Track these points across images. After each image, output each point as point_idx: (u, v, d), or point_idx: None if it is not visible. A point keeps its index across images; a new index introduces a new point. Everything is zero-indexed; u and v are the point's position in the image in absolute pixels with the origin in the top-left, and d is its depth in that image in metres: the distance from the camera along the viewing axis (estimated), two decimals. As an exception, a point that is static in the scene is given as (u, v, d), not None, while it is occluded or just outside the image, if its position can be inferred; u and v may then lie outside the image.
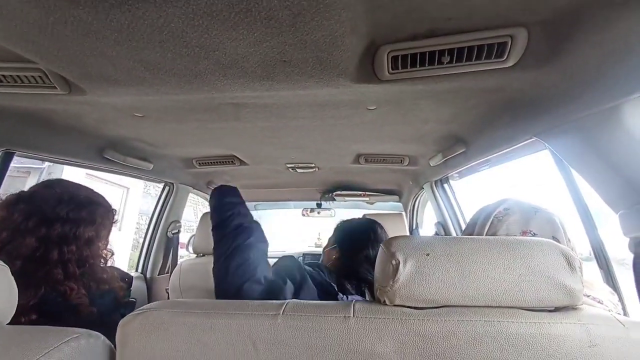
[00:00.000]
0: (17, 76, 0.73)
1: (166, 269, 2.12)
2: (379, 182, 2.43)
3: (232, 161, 1.81)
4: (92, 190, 0.89)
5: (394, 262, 0.57)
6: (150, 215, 2.14)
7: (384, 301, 0.58)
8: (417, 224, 2.52)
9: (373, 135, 1.28)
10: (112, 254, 0.91)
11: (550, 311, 0.55)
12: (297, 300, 0.63)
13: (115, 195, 7.72)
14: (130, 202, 8.04)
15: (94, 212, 0.82)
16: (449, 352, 0.52)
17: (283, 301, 0.62)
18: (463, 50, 0.60)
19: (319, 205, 3.03)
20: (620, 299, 0.77)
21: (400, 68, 0.65)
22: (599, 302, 0.69)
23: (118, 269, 0.97)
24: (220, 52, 0.60)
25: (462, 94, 0.81)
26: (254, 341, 0.56)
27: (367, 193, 2.61)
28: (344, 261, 1.02)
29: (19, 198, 0.77)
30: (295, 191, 2.78)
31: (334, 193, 2.65)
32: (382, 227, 1.14)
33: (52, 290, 0.73)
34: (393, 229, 1.60)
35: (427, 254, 0.58)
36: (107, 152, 1.30)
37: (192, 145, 1.53)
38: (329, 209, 3.05)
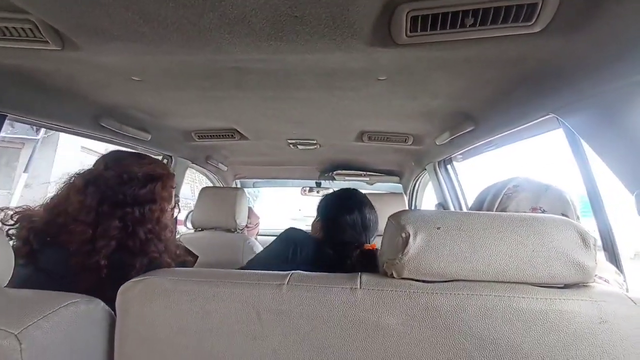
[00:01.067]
0: (6, 28, 0.67)
1: (165, 244, 2.11)
2: (380, 162, 2.40)
3: (232, 135, 1.76)
4: (146, 160, 0.89)
5: (403, 234, 0.55)
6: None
7: (391, 274, 0.57)
8: (416, 206, 2.51)
9: (379, 111, 1.24)
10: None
11: (560, 288, 0.55)
12: (300, 271, 0.62)
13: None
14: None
15: (153, 191, 0.83)
16: (457, 325, 0.51)
17: (288, 272, 0.60)
18: (489, 11, 0.55)
19: (318, 185, 3.01)
20: (625, 280, 0.76)
21: (419, 30, 0.61)
22: (605, 281, 0.69)
23: (181, 245, 1.00)
24: (227, 3, 0.55)
25: (480, 64, 0.76)
26: (258, 310, 0.55)
27: (367, 173, 2.58)
28: (327, 231, 1.02)
29: (87, 181, 0.79)
30: (294, 169, 2.75)
31: (334, 172, 2.62)
32: (362, 194, 1.13)
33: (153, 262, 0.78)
34: (394, 209, 1.58)
35: (438, 227, 0.56)
36: (104, 120, 1.25)
37: (192, 116, 1.48)
38: (328, 189, 3.03)
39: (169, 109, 1.33)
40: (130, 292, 0.58)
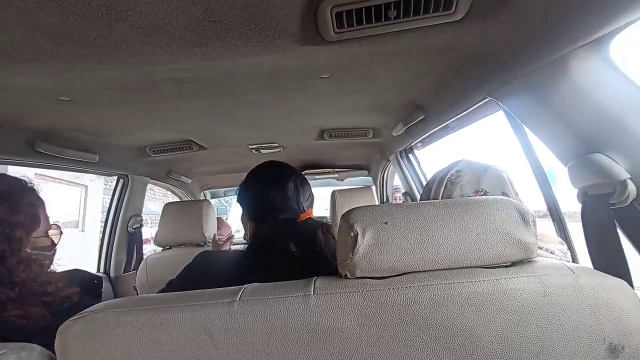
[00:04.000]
0: None
1: (132, 266, 2.01)
2: (347, 157, 2.41)
3: (189, 146, 1.70)
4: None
5: (352, 234, 0.55)
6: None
7: (345, 275, 0.56)
8: (387, 196, 2.55)
9: (333, 108, 1.24)
10: (54, 245, 0.77)
11: (506, 266, 0.56)
12: (256, 283, 0.59)
13: (72, 194, 7.19)
14: (91, 201, 7.53)
15: (15, 207, 0.66)
16: (411, 318, 0.51)
17: (241, 286, 0.58)
18: (410, 2, 0.56)
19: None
20: (570, 248, 0.81)
21: (346, 26, 0.60)
22: (550, 252, 0.72)
23: (83, 271, 0.87)
24: (134, 12, 0.51)
25: (415, 55, 0.77)
26: (210, 332, 0.52)
27: (336, 170, 2.59)
28: (255, 224, 0.85)
29: None
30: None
31: (303, 172, 2.61)
32: (269, 163, 0.93)
33: None
34: (364, 203, 1.58)
35: (386, 222, 0.56)
36: (40, 145, 1.16)
37: (141, 131, 1.40)
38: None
39: (113, 127, 1.26)
40: (69, 331, 0.54)
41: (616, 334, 0.50)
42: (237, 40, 0.63)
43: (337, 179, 2.77)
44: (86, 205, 7.43)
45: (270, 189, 0.81)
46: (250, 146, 1.83)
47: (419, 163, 1.83)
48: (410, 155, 1.81)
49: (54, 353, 0.54)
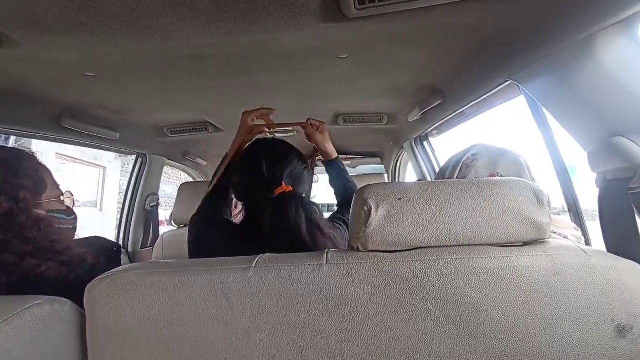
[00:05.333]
0: None
1: (148, 243, 2.09)
2: (360, 144, 2.40)
3: (205, 127, 1.73)
4: None
5: (366, 208, 0.56)
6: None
7: (357, 248, 0.58)
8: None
9: (349, 91, 1.24)
10: (70, 210, 0.80)
11: (519, 246, 0.57)
12: (270, 253, 0.62)
13: (91, 175, 7.44)
14: (108, 182, 7.78)
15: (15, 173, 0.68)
16: (420, 290, 0.52)
17: (256, 255, 0.60)
18: None
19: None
20: (584, 234, 0.80)
21: (367, 2, 0.60)
22: (564, 237, 0.72)
23: (102, 238, 0.91)
24: None
25: (436, 35, 0.76)
26: (227, 295, 0.55)
27: (349, 156, 2.59)
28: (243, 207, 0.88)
29: None
30: None
31: (316, 158, 2.62)
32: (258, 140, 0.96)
33: (14, 275, 0.66)
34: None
35: (399, 199, 0.57)
36: (65, 121, 1.20)
37: (160, 110, 1.44)
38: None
39: (134, 104, 1.29)
40: (97, 289, 0.58)
41: (625, 315, 0.50)
42: (258, 15, 0.63)
43: (350, 166, 2.77)
44: (104, 186, 7.68)
45: (245, 173, 0.85)
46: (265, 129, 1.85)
47: (433, 151, 1.81)
48: (425, 143, 1.80)
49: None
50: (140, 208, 2.02)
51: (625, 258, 0.55)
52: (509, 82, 0.84)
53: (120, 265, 0.69)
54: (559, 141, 0.89)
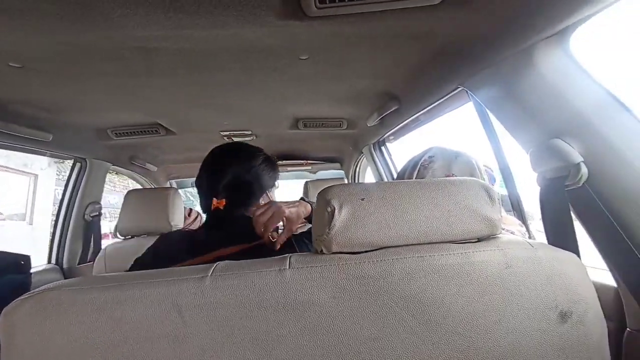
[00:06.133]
0: None
1: (88, 258, 1.88)
2: (320, 149, 2.41)
3: (156, 130, 1.61)
4: None
5: (329, 209, 0.55)
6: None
7: (321, 250, 0.56)
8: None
9: (310, 94, 1.23)
10: None
11: (474, 242, 0.59)
12: (228, 261, 0.58)
13: (20, 185, 6.57)
14: (41, 191, 6.93)
15: None
16: (385, 289, 0.52)
17: (212, 263, 0.56)
18: None
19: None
20: (527, 230, 0.87)
21: (328, 1, 0.60)
22: (511, 233, 0.77)
23: (2, 252, 0.79)
24: None
25: (393, 40, 0.79)
26: (179, 308, 0.49)
27: (308, 162, 2.59)
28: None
29: None
30: None
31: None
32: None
33: None
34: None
35: (362, 199, 0.56)
36: None
37: (104, 110, 1.31)
38: (272, 181, 2.97)
39: (71, 103, 1.16)
40: (16, 312, 0.49)
41: (566, 302, 0.54)
42: (214, 7, 0.60)
43: (310, 171, 2.77)
44: (35, 196, 6.82)
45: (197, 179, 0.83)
46: (222, 133, 1.77)
47: (390, 156, 1.87)
48: (383, 148, 1.85)
49: None
50: (78, 219, 1.81)
51: (564, 249, 0.59)
52: (459, 89, 0.89)
53: (27, 277, 0.59)
54: (503, 144, 0.97)
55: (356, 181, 2.58)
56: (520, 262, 0.55)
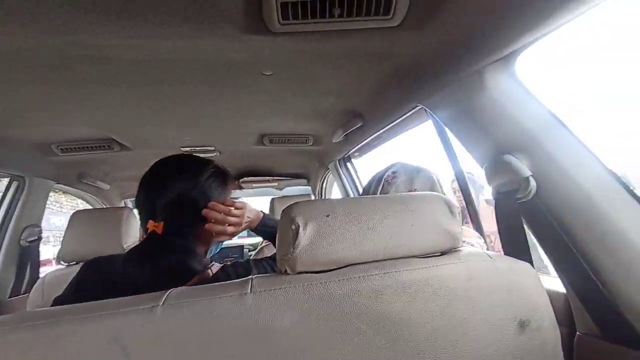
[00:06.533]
0: None
1: (22, 289, 1.66)
2: (287, 165, 2.40)
3: (108, 145, 1.50)
4: None
5: (293, 227, 0.53)
6: None
7: (286, 271, 0.54)
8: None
9: (275, 110, 1.22)
10: None
11: (437, 256, 0.60)
12: (183, 287, 0.53)
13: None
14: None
15: None
16: (351, 310, 0.50)
17: (164, 291, 0.51)
18: (353, 2, 0.58)
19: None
20: (485, 241, 0.91)
21: (291, 18, 0.60)
22: (471, 245, 0.80)
23: None
24: None
25: (356, 59, 0.81)
26: (123, 344, 0.44)
27: (274, 178, 2.55)
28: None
29: None
30: None
31: (240, 180, 2.51)
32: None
33: None
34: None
35: (327, 215, 0.55)
36: None
37: (47, 123, 1.19)
38: (236, 198, 2.88)
39: (7, 114, 1.04)
40: None
41: (524, 311, 0.56)
42: (172, 17, 0.57)
43: (276, 188, 2.72)
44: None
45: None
46: (183, 148, 1.69)
47: (356, 172, 1.90)
48: (349, 164, 1.88)
49: None
50: (12, 244, 1.60)
51: (519, 259, 0.62)
52: (419, 107, 0.93)
53: None
54: (461, 159, 1.02)
55: (323, 197, 2.58)
56: (481, 274, 0.56)
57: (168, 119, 1.26)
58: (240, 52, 0.73)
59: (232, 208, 0.73)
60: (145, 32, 0.61)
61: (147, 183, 0.72)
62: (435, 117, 0.89)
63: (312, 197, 2.58)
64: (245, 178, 2.50)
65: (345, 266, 0.55)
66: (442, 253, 0.61)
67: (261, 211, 0.85)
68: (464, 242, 0.78)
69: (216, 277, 0.66)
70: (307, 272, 0.53)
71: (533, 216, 0.69)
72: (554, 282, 0.75)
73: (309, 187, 2.75)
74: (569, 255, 0.65)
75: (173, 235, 0.67)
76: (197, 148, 1.72)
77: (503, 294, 0.56)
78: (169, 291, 0.51)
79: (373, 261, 0.56)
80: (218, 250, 0.88)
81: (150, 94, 0.98)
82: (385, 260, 0.56)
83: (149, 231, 0.67)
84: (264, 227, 0.84)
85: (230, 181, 0.79)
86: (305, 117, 1.32)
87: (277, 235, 0.58)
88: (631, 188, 0.65)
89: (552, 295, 0.62)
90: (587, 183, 0.64)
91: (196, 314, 0.47)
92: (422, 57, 0.77)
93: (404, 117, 1.05)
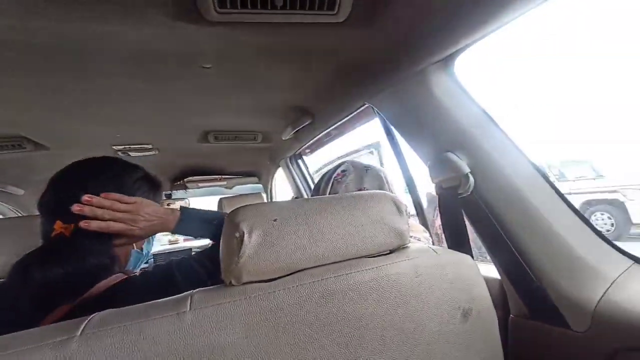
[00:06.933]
0: None
1: None
2: (236, 163, 2.29)
3: (19, 144, 1.29)
4: None
5: (237, 234, 0.49)
6: None
7: (230, 282, 0.50)
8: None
9: (218, 106, 1.14)
10: None
11: (386, 254, 0.60)
12: (109, 309, 0.46)
13: None
14: None
15: None
16: (302, 317, 0.48)
17: (84, 317, 0.44)
18: None
19: (168, 196, 2.62)
20: (430, 235, 0.95)
21: (229, 7, 0.55)
22: (417, 239, 0.82)
23: None
24: None
25: (301, 55, 0.78)
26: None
27: (223, 177, 2.43)
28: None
29: None
30: None
31: (185, 180, 2.35)
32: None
33: None
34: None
35: (275, 220, 0.52)
36: None
37: None
38: (182, 199, 2.69)
39: None
40: None
41: (466, 301, 0.59)
42: None
43: (225, 187, 2.60)
44: None
45: None
46: (115, 147, 1.52)
47: (307, 168, 1.89)
48: (300, 161, 1.86)
49: None
50: None
51: (460, 252, 0.66)
52: (366, 105, 0.93)
53: None
54: (407, 156, 1.06)
55: (275, 195, 2.53)
56: (428, 269, 0.58)
57: (94, 115, 1.11)
58: (174, 42, 0.65)
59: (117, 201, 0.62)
60: (59, 13, 0.51)
61: (59, 182, 0.64)
62: (381, 115, 0.90)
63: (264, 195, 2.51)
64: (191, 177, 2.35)
65: (295, 272, 0.52)
66: (391, 251, 0.61)
67: (181, 206, 0.75)
68: (411, 237, 0.81)
69: (131, 282, 0.59)
70: (254, 282, 0.50)
71: (472, 210, 0.74)
72: (492, 269, 0.80)
73: (260, 185, 2.68)
74: (503, 245, 0.71)
75: (84, 238, 0.59)
76: (132, 146, 1.56)
77: (448, 286, 0.58)
78: (91, 316, 0.44)
79: (324, 264, 0.55)
80: (145, 260, 0.78)
81: (69, 86, 0.85)
82: (335, 262, 0.55)
83: (54, 233, 0.59)
84: (190, 223, 0.72)
85: (160, 192, 0.71)
86: (253, 113, 1.26)
87: (221, 243, 0.53)
88: (551, 180, 0.72)
89: (489, 282, 0.66)
90: (517, 178, 0.70)
91: (124, 342, 0.41)
92: (367, 56, 0.77)
93: (353, 114, 1.05)
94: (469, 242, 0.74)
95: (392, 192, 0.80)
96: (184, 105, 1.11)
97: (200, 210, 0.75)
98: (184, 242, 2.66)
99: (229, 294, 0.48)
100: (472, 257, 0.70)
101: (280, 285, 0.50)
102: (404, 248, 0.63)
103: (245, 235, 0.49)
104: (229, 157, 2.07)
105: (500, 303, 0.77)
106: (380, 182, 0.79)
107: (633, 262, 0.66)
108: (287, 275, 0.52)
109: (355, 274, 0.53)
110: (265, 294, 0.48)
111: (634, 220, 6.23)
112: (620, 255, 0.67)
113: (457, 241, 0.75)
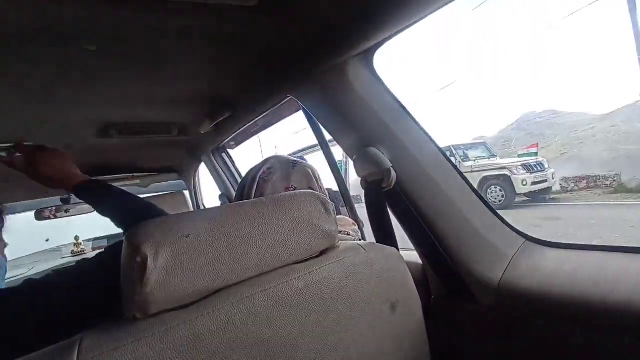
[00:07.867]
0: None
1: None
2: (149, 159, 2.02)
3: None
4: None
5: (139, 259, 0.41)
6: None
7: (134, 316, 0.41)
8: (202, 202, 2.35)
9: (117, 97, 0.97)
10: None
11: (316, 257, 0.58)
12: None
13: None
14: None
15: None
16: (225, 344, 0.43)
17: None
18: None
19: (65, 201, 2.20)
20: (360, 228, 0.97)
21: None
22: (347, 234, 0.83)
23: None
24: None
25: (213, 41, 0.69)
26: None
27: (135, 175, 2.13)
28: None
29: None
30: (21, 186, 1.85)
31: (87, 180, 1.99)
32: None
33: None
34: (176, 211, 1.35)
35: (187, 236, 0.45)
36: None
37: None
38: (82, 203, 2.29)
39: None
40: None
41: (394, 293, 0.61)
42: None
43: (140, 186, 2.29)
44: None
45: None
46: None
47: (233, 162, 1.77)
48: (224, 155, 1.73)
49: None
50: None
51: (387, 244, 0.67)
52: (290, 97, 0.89)
53: None
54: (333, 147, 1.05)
55: (200, 191, 2.33)
56: (357, 268, 0.58)
57: None
58: (41, 16, 0.51)
59: None
60: None
61: None
62: (305, 108, 0.86)
63: (187, 193, 2.29)
64: (95, 178, 2.00)
65: (215, 292, 0.47)
66: (321, 253, 0.59)
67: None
68: (340, 232, 0.81)
69: None
70: (165, 312, 0.43)
71: (395, 203, 0.76)
72: (415, 256, 0.86)
73: (182, 181, 2.43)
74: (423, 233, 0.75)
75: None
76: (12, 146, 1.24)
77: (376, 282, 0.59)
78: None
79: (249, 279, 0.50)
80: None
81: None
82: (261, 275, 0.51)
83: None
84: (96, 191, 0.76)
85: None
86: (162, 104, 1.11)
87: (121, 270, 0.44)
88: (456, 164, 0.79)
89: (413, 268, 0.70)
90: (432, 169, 0.75)
91: None
92: (285, 46, 0.72)
93: (277, 106, 0.99)
94: (394, 234, 0.77)
95: (321, 188, 0.78)
96: (69, 95, 0.91)
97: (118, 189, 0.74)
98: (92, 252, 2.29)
99: (133, 332, 0.40)
100: (398, 249, 0.73)
101: (199, 311, 0.43)
102: (333, 248, 0.61)
103: (149, 259, 0.41)
104: (141, 152, 1.82)
105: (423, 286, 0.82)
106: (308, 179, 0.76)
107: (525, 239, 0.77)
108: (208, 296, 0.46)
109: (283, 285, 0.50)
110: (180, 323, 0.41)
111: (518, 191, 7.83)
112: (515, 234, 0.77)
113: (384, 234, 0.78)
